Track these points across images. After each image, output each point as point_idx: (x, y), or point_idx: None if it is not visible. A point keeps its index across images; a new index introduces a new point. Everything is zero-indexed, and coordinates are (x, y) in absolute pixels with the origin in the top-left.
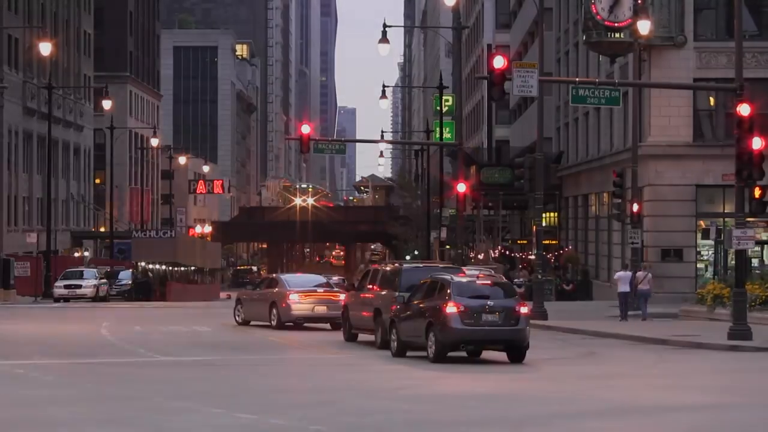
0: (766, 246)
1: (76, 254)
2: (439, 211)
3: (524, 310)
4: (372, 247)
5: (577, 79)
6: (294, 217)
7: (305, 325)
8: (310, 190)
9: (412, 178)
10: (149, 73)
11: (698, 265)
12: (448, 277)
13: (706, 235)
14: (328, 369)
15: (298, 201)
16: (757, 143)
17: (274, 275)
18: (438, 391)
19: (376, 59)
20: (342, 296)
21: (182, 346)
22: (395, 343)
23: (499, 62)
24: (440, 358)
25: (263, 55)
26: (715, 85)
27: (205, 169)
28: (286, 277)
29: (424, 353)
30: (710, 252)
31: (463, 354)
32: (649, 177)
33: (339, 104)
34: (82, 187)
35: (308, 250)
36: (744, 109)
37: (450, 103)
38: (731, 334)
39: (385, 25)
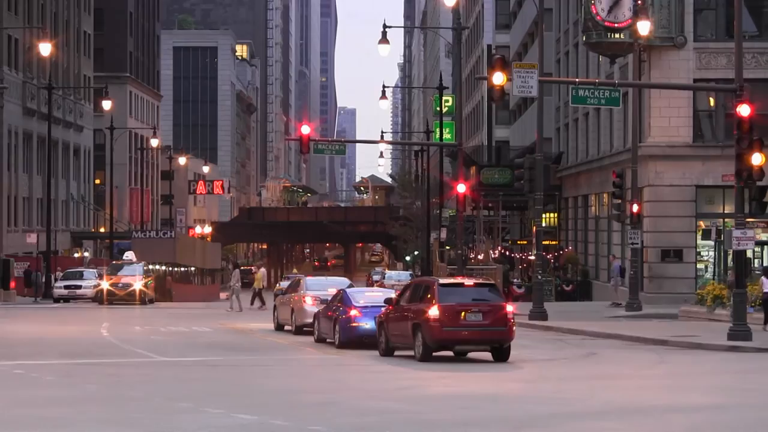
0: (766, 246)
1: (76, 255)
2: (439, 211)
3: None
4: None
5: (577, 80)
6: (294, 218)
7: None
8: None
9: (412, 178)
10: (149, 74)
11: (698, 266)
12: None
13: (706, 235)
14: (327, 369)
15: None
16: (757, 159)
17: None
18: (438, 391)
19: (376, 59)
20: None
21: (182, 346)
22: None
23: (498, 79)
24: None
25: (263, 55)
26: (715, 86)
27: (205, 169)
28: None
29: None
30: (710, 252)
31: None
32: (648, 177)
33: (339, 104)
34: (82, 187)
35: (308, 250)
36: (744, 110)
37: (450, 103)
38: (731, 334)
39: (385, 26)
